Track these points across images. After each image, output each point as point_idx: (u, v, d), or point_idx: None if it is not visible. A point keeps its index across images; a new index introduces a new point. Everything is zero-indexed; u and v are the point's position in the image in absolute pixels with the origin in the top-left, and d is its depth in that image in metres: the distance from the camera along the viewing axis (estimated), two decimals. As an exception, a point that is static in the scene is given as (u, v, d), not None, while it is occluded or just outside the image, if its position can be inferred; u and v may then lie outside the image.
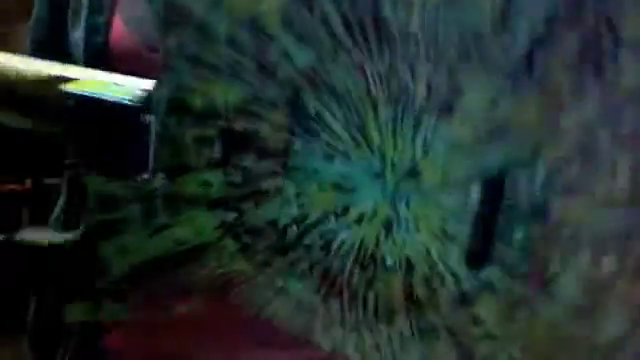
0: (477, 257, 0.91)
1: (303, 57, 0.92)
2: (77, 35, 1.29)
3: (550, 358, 0.91)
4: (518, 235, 0.89)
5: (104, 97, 1.03)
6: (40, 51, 1.36)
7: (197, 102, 0.98)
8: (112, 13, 1.27)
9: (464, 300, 0.93)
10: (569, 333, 0.90)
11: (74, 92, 1.04)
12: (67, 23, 1.30)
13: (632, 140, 0.84)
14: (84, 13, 1.27)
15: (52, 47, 1.34)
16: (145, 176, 1.01)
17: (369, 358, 0.99)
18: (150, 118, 1.00)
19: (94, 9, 1.27)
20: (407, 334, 0.96)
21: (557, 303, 0.89)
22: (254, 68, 0.95)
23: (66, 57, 1.24)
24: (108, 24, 1.27)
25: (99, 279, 1.07)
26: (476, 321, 0.93)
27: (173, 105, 0.99)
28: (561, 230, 0.88)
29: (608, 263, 0.87)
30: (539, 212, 0.88)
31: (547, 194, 0.87)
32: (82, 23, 1.27)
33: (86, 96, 1.03)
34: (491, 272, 0.91)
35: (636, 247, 0.86)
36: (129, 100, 1.02)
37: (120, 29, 1.28)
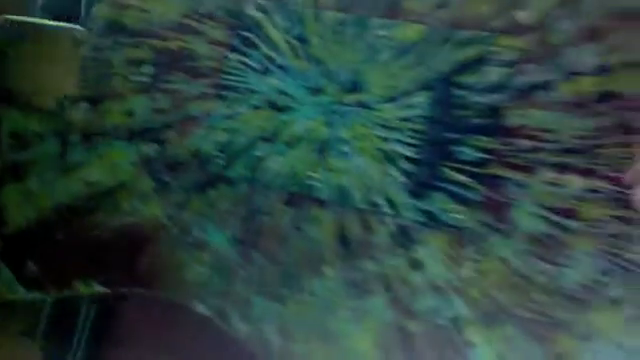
0: (421, 182, 0.77)
1: None
2: None
3: (504, 308, 0.73)
4: (469, 154, 0.76)
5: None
6: None
7: (134, 20, 0.90)
8: None
9: (404, 239, 0.77)
10: (527, 276, 0.73)
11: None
12: None
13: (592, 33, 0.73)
14: None
15: None
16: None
17: (294, 338, 0.82)
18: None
19: None
20: (337, 290, 0.80)
21: (514, 238, 0.74)
22: None
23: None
24: None
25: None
26: (417, 266, 0.77)
27: (109, 24, 0.91)
28: (518, 142, 0.74)
29: (573, 182, 0.72)
30: (492, 123, 0.75)
31: (502, 100, 0.75)
32: None
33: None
34: (437, 201, 0.76)
35: (604, 159, 0.72)
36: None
37: None
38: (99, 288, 0.93)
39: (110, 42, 0.91)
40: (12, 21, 0.96)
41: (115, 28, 0.91)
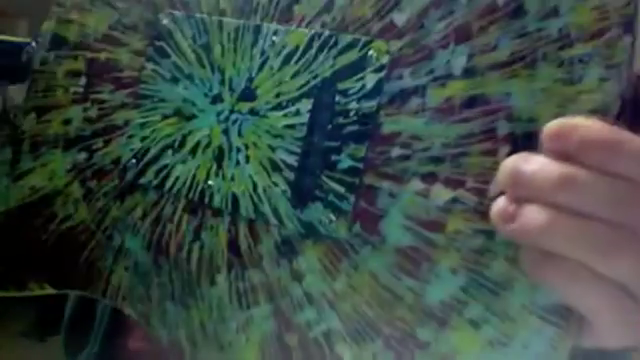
0: (300, 192, 0.75)
1: None
2: None
3: (373, 324, 0.70)
4: (345, 162, 0.73)
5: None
6: None
7: (73, 34, 0.94)
8: None
9: (286, 250, 0.76)
10: (395, 292, 0.69)
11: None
12: None
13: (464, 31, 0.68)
14: None
15: None
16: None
17: (199, 346, 0.82)
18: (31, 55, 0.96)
19: None
20: (226, 300, 0.79)
21: (384, 251, 0.70)
22: None
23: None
24: None
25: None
26: (297, 277, 0.75)
27: (55, 38, 0.95)
28: (391, 151, 0.71)
29: (440, 193, 0.68)
30: (366, 131, 0.72)
31: (375, 106, 0.72)
32: None
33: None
34: (315, 211, 0.74)
35: (470, 169, 0.67)
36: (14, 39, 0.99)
37: None
38: (50, 290, 0.97)
39: (54, 55, 0.94)
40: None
41: (58, 42, 0.94)
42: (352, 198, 0.72)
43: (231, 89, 0.81)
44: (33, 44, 0.98)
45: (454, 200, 0.67)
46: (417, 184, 0.69)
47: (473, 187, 0.66)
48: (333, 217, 0.72)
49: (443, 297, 0.67)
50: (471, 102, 0.67)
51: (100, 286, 0.90)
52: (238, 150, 0.79)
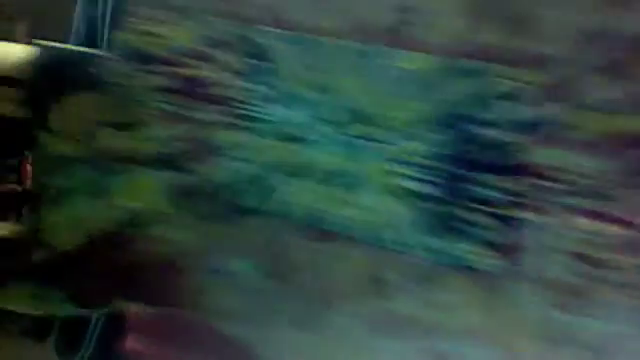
0: (438, 222, 0.74)
1: None
2: None
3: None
4: (487, 193, 0.72)
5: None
6: None
7: (156, 47, 0.89)
8: None
9: (421, 280, 0.75)
10: (548, 326, 0.70)
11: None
12: None
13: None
14: None
15: None
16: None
17: None
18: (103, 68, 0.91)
19: None
20: (358, 329, 0.79)
21: (532, 284, 0.70)
22: (211, 7, 0.85)
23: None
24: None
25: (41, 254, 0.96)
26: (435, 308, 0.75)
27: (134, 51, 0.90)
28: (539, 183, 0.70)
29: (593, 227, 0.68)
30: (507, 161, 0.71)
31: (516, 137, 0.70)
32: None
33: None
34: (456, 242, 0.73)
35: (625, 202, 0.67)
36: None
37: None
38: (136, 306, 0.96)
39: (134, 69, 0.90)
40: (44, 46, 0.97)
41: (136, 54, 0.90)
42: (498, 230, 0.71)
43: (348, 113, 0.78)
44: (104, 55, 0.93)
45: (608, 234, 0.67)
46: (568, 217, 0.69)
47: (630, 221, 0.66)
48: (476, 249, 0.72)
49: (602, 330, 0.68)
50: (628, 136, 0.66)
51: (195, 305, 0.90)
52: (362, 177, 0.78)
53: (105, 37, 1.14)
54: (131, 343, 1.13)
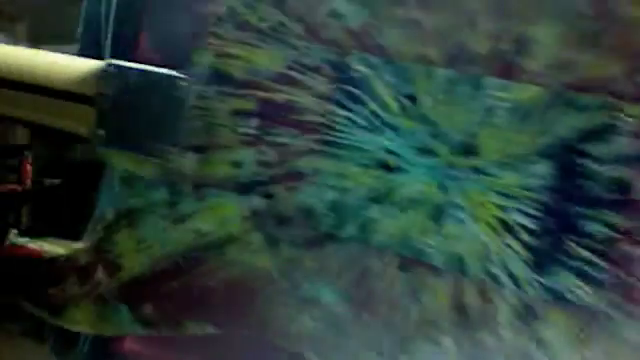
0: (543, 257, 0.73)
1: (355, 15, 0.81)
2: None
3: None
4: (595, 228, 0.71)
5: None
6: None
7: (238, 70, 0.88)
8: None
9: (526, 315, 0.74)
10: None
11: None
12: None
13: None
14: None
15: None
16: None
17: None
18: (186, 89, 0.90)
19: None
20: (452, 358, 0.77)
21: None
22: (300, 30, 0.84)
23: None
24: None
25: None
26: (540, 343, 0.73)
27: (214, 73, 0.89)
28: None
29: None
30: (620, 198, 0.70)
31: (631, 173, 0.69)
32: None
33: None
34: (562, 278, 0.72)
35: None
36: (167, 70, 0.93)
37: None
38: (210, 329, 0.94)
39: (214, 91, 0.89)
40: (116, 65, 0.96)
41: (219, 77, 0.88)
42: (605, 266, 0.70)
43: (446, 143, 0.77)
44: (187, 77, 0.91)
45: None
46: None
47: None
48: (584, 285, 0.71)
49: None
50: None
51: (276, 331, 0.88)
52: (459, 208, 0.76)
53: (108, 38, 1.11)
54: (130, 343, 1.12)
